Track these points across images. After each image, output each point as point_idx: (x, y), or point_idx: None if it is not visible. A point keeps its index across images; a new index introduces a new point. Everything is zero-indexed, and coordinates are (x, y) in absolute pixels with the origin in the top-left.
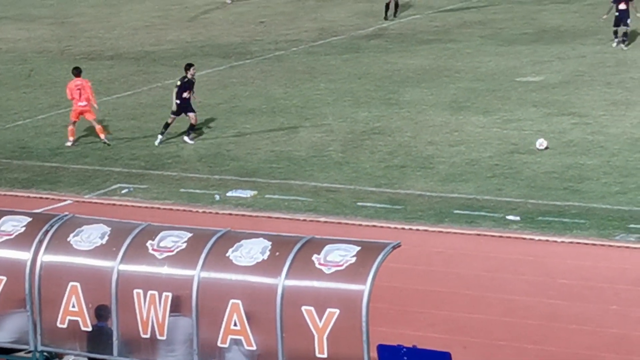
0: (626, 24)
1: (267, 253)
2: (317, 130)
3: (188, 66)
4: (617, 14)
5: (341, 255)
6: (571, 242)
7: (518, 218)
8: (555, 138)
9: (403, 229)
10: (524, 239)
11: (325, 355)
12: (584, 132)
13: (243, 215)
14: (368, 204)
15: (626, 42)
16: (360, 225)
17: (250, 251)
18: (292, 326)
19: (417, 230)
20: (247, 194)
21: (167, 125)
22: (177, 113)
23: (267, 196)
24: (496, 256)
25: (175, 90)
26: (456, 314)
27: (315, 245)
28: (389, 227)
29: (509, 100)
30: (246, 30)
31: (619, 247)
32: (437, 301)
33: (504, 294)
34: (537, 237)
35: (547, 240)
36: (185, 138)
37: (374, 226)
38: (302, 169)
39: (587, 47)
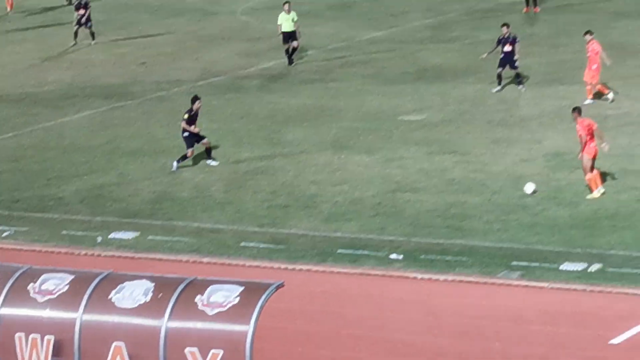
0: (514, 67)
1: (150, 295)
2: (200, 171)
3: (194, 99)
4: (502, 55)
5: (224, 296)
6: (454, 280)
7: (401, 257)
8: (437, 176)
9: (286, 268)
10: (407, 277)
11: None
12: (465, 170)
13: (125, 257)
14: (251, 244)
15: (522, 83)
16: (243, 265)
17: (133, 293)
18: None
19: (301, 270)
20: (130, 235)
21: (184, 158)
22: (192, 144)
23: (149, 237)
24: (380, 295)
25: (184, 122)
26: (340, 354)
27: (198, 286)
28: (272, 267)
29: (391, 139)
30: (127, 71)
31: (501, 284)
32: (321, 341)
33: (388, 332)
34: (420, 276)
35: (430, 279)
36: (210, 162)
37: (258, 266)
38: (184, 210)
39: (468, 86)
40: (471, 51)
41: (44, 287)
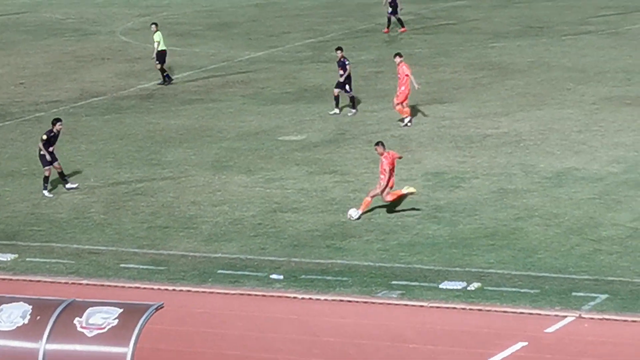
0: (345, 91)
1: (28, 317)
2: (79, 192)
3: (55, 121)
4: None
5: (103, 318)
6: (334, 300)
7: (281, 277)
8: (318, 196)
9: (167, 289)
10: (288, 297)
11: None
12: (345, 190)
13: (3, 279)
14: (131, 265)
15: (354, 107)
16: (123, 287)
17: (11, 315)
18: None
19: (181, 290)
20: (7, 257)
21: (46, 179)
22: (50, 163)
23: (27, 259)
24: (260, 315)
25: (42, 144)
26: None
27: (76, 308)
28: (152, 288)
29: (272, 159)
30: (5, 92)
31: (381, 303)
32: None
33: (269, 353)
34: (300, 296)
35: (311, 299)
36: (69, 186)
37: (137, 287)
38: (63, 231)
39: (347, 106)
40: (351, 71)
41: None
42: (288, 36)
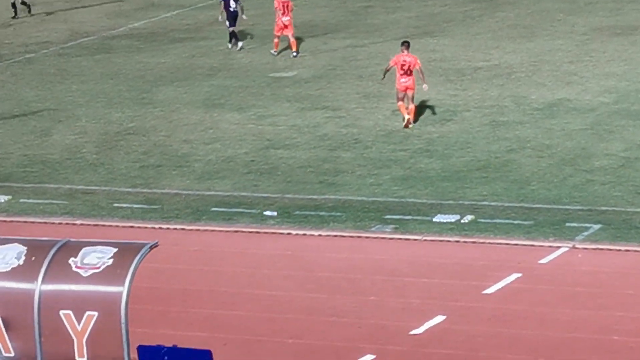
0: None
1: (23, 258)
2: (71, 132)
3: None
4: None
5: (98, 257)
6: (328, 235)
7: (275, 213)
8: (310, 132)
9: (160, 228)
10: (282, 233)
11: (85, 359)
12: (337, 126)
13: None
14: (124, 205)
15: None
16: (117, 226)
17: (6, 257)
18: (51, 331)
19: (175, 229)
20: (1, 199)
21: None
22: None
23: (21, 200)
24: (254, 252)
25: None
26: (216, 312)
27: (71, 248)
28: (146, 227)
29: (263, 96)
30: None
31: (375, 238)
32: (196, 300)
33: (263, 289)
34: (294, 232)
35: (305, 234)
36: None
37: (131, 227)
38: (56, 172)
39: (338, 41)
40: (340, 6)
41: None
42: None
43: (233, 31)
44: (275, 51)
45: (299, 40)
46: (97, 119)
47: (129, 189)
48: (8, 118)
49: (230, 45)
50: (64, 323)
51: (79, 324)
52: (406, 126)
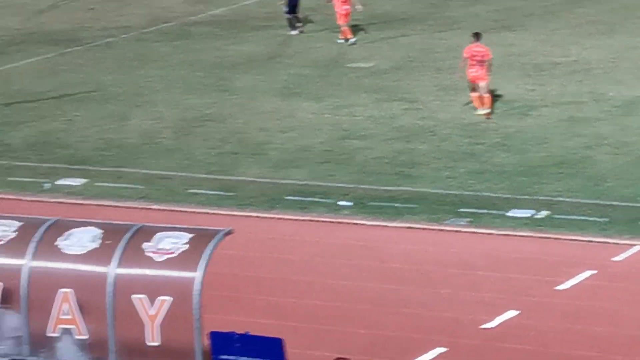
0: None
1: (98, 241)
2: (148, 117)
3: None
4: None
5: (173, 242)
6: (402, 227)
7: (350, 204)
8: (386, 123)
9: (235, 215)
10: (356, 224)
11: (157, 343)
12: (414, 118)
13: (74, 203)
14: (200, 191)
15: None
16: (192, 212)
17: (81, 240)
18: (124, 314)
19: (249, 216)
20: (78, 182)
21: None
22: None
23: (97, 184)
24: (328, 242)
25: None
26: (289, 300)
27: (146, 233)
28: (221, 214)
29: (340, 86)
30: (75, 18)
31: (449, 231)
32: (269, 287)
33: (336, 279)
34: (368, 223)
35: (379, 225)
36: None
37: (206, 213)
38: (133, 157)
39: (417, 33)
40: None
41: None
42: None
43: (291, 17)
44: (343, 39)
45: (379, 30)
46: (174, 105)
47: (205, 175)
48: (86, 102)
49: (295, 31)
50: (136, 307)
51: (151, 308)
52: (487, 116)
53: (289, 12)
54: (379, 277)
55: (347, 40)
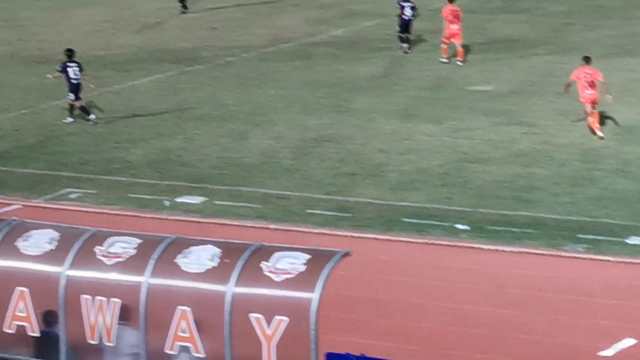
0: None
1: (217, 260)
2: (267, 137)
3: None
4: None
5: (291, 263)
6: (520, 252)
7: (467, 227)
8: (505, 147)
9: (352, 236)
10: (473, 248)
11: None
12: (533, 142)
13: (192, 221)
14: (317, 212)
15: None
16: (309, 232)
17: (200, 258)
18: (241, 333)
19: (366, 238)
20: (197, 200)
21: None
22: None
23: (216, 202)
24: (445, 265)
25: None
26: (404, 323)
27: (264, 252)
28: (338, 235)
29: (459, 109)
30: (197, 36)
31: (567, 257)
32: (385, 309)
33: (452, 303)
34: (486, 247)
35: (496, 250)
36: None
37: (323, 234)
38: (252, 176)
39: (537, 57)
40: (541, 22)
41: (111, 250)
42: None
43: (403, 35)
44: (444, 58)
45: (499, 54)
46: (293, 125)
47: (323, 196)
48: (207, 120)
49: (403, 48)
50: (253, 327)
51: (269, 328)
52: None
53: (400, 31)
54: (495, 302)
55: (444, 59)
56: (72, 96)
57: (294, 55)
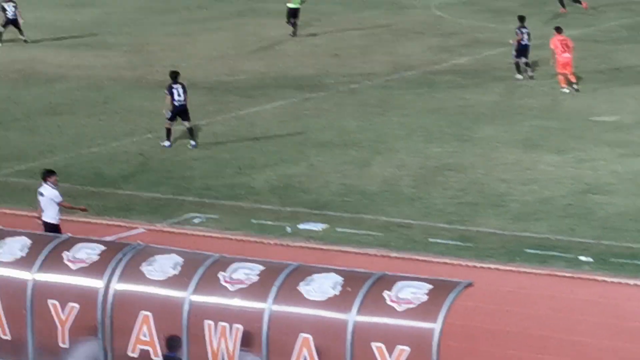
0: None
1: (339, 288)
2: (389, 165)
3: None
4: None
5: (413, 292)
6: None
7: (591, 259)
8: (630, 179)
9: (474, 266)
10: (597, 280)
11: None
12: None
13: (314, 248)
14: (439, 241)
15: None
16: (431, 262)
17: (322, 286)
18: None
19: (489, 268)
20: (318, 227)
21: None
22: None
23: (338, 230)
24: (567, 297)
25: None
26: (526, 354)
27: (387, 281)
28: (460, 265)
29: (583, 139)
30: (320, 63)
31: None
32: (507, 341)
33: (575, 335)
34: (609, 279)
35: (620, 283)
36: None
37: (445, 263)
38: (373, 203)
39: None
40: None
41: (234, 276)
42: (604, 15)
43: (518, 62)
44: (565, 88)
45: (625, 84)
46: (415, 153)
47: (445, 225)
48: (329, 147)
49: (524, 75)
50: (375, 355)
51: (390, 357)
52: None
53: (517, 56)
54: (617, 335)
55: (564, 88)
56: (168, 114)
57: (416, 83)
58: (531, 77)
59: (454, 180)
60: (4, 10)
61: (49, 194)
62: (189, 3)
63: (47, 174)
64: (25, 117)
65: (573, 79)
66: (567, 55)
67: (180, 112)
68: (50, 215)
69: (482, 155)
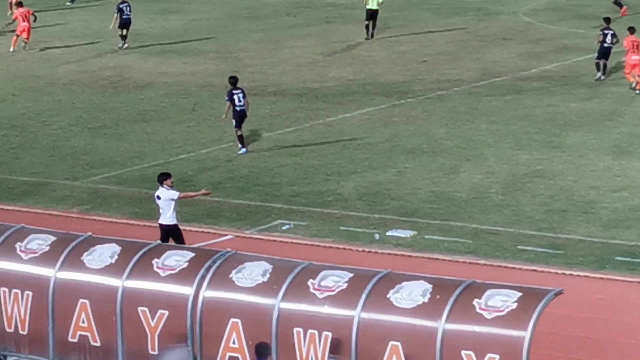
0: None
1: (428, 296)
2: (478, 172)
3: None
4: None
5: (502, 300)
6: None
7: None
8: None
9: (564, 274)
10: None
11: None
12: None
13: (402, 255)
14: (528, 248)
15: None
16: (520, 269)
17: (411, 293)
18: None
19: (578, 276)
20: (407, 234)
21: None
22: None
23: (426, 237)
24: None
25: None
26: None
27: (476, 289)
28: (549, 272)
29: None
30: (408, 69)
31: None
32: (596, 349)
33: None
34: None
35: None
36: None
37: (534, 270)
38: (462, 210)
39: None
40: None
41: (323, 283)
42: None
43: (598, 63)
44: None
45: None
46: (504, 160)
47: (534, 232)
48: (417, 153)
49: (598, 75)
50: None
51: None
52: None
53: (597, 57)
54: None
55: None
56: (234, 123)
57: (505, 89)
58: (598, 79)
59: (543, 187)
60: (121, 11)
61: (165, 195)
62: (277, 10)
63: (163, 177)
64: (114, 124)
65: (630, 79)
66: (636, 57)
67: (242, 117)
68: (168, 217)
69: (571, 162)
